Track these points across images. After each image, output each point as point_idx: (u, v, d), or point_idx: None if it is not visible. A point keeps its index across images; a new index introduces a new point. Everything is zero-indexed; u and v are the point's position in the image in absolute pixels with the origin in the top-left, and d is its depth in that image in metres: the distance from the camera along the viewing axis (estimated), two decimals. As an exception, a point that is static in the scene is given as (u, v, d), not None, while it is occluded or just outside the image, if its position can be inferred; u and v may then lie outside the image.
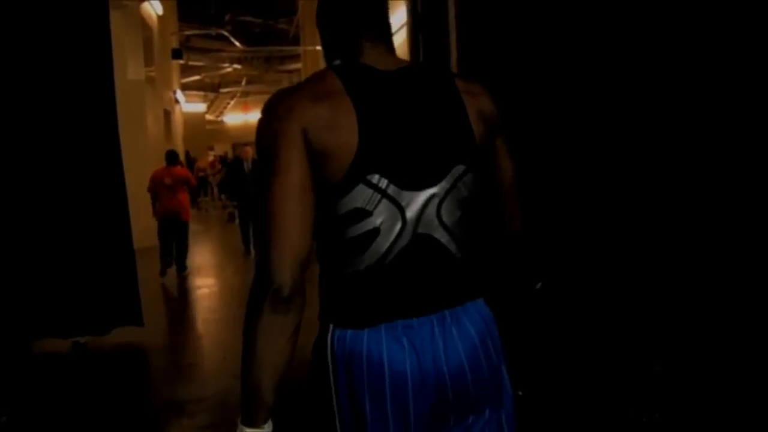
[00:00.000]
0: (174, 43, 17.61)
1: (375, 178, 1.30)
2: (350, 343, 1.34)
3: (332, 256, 1.37)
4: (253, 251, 10.38)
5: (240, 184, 10.20)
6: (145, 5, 12.56)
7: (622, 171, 2.64)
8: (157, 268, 8.97)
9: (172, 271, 9.14)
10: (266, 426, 1.27)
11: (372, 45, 1.42)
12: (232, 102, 27.31)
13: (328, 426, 1.37)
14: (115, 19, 10.44)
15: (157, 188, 8.81)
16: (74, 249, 5.51)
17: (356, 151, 1.29)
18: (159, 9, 13.69)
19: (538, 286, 2.73)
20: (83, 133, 5.48)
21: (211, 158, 23.90)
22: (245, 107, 27.61)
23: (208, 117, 27.21)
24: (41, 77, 5.29)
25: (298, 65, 23.18)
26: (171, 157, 9.06)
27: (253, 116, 27.49)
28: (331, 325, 1.37)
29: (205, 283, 9.05)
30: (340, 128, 1.29)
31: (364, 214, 1.31)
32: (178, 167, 9.32)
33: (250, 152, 10.10)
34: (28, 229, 5.38)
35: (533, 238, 1.73)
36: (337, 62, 1.43)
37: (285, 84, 25.73)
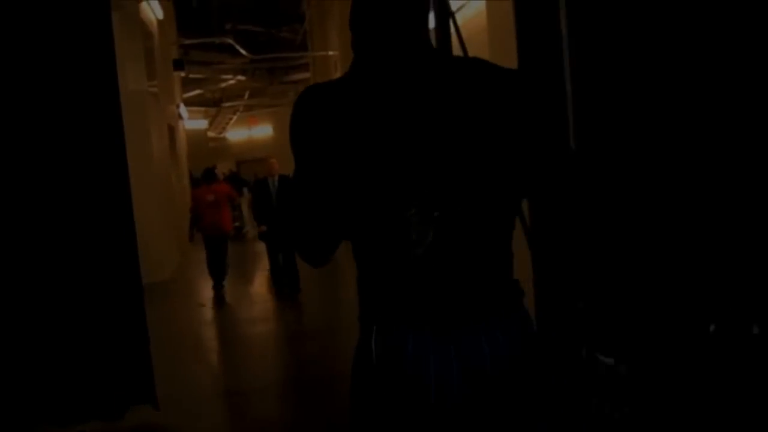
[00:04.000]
0: (175, 53, 16.25)
1: (397, 185, 1.30)
2: (395, 345, 1.34)
3: (369, 258, 1.39)
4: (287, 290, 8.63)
5: (266, 205, 8.38)
6: (145, 8, 11.14)
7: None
8: (171, 309, 7.67)
9: (188, 312, 7.73)
10: None
11: (397, 40, 1.37)
12: (234, 117, 25.96)
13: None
14: (114, 22, 9.13)
15: (199, 207, 9.09)
16: (72, 305, 4.22)
17: (370, 156, 1.31)
18: (159, 12, 12.27)
19: (712, 328, 2.52)
20: (81, 164, 4.24)
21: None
22: (250, 122, 26.27)
23: (210, 134, 25.86)
24: (33, 90, 4.16)
25: (305, 75, 21.89)
26: (210, 174, 9.51)
27: (258, 131, 26.25)
28: (375, 327, 1.38)
29: (235, 336, 7.53)
30: (349, 133, 1.31)
31: (395, 217, 1.31)
32: (218, 183, 9.58)
33: (276, 166, 8.39)
34: (15, 283, 4.12)
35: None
36: (360, 60, 1.40)
37: (291, 96, 24.51)
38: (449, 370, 1.32)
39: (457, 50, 3.40)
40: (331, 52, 16.46)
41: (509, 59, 4.23)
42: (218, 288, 9.32)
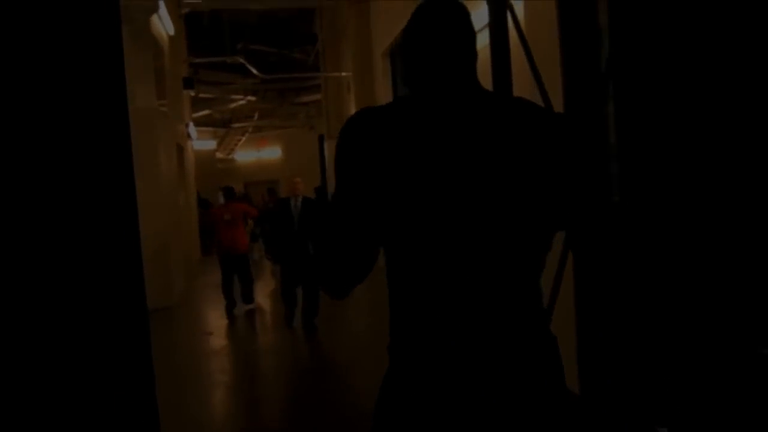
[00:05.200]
0: (184, 72, 15.90)
1: (427, 215, 1.34)
2: (424, 380, 1.36)
3: (404, 288, 1.41)
4: (298, 323, 7.91)
5: (284, 231, 7.66)
6: (156, 23, 10.78)
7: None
8: (177, 338, 7.40)
9: (195, 342, 7.22)
10: None
11: (445, 76, 1.43)
12: (243, 138, 25.62)
13: None
14: (123, 36, 8.74)
15: (216, 225, 9.10)
16: (66, 333, 3.75)
17: (403, 187, 1.35)
18: (170, 28, 11.91)
19: None
20: (86, 181, 3.79)
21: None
22: (259, 143, 25.91)
23: (218, 155, 25.48)
24: (37, 104, 3.72)
25: (316, 96, 21.53)
26: (229, 192, 9.61)
27: (267, 153, 25.88)
28: (403, 361, 1.40)
29: (245, 370, 7.02)
30: (396, 160, 1.36)
31: (424, 247, 1.36)
32: (236, 202, 9.61)
33: (300, 185, 7.73)
34: (5, 309, 3.64)
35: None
36: (407, 92, 1.47)
37: (301, 118, 24.18)
38: (481, 397, 1.34)
39: (515, 44, 2.98)
40: (344, 73, 16.11)
41: (547, 59, 3.84)
42: (231, 310, 9.12)
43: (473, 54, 1.47)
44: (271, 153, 25.89)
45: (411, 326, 1.40)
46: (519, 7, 4.63)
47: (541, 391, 1.39)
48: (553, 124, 1.42)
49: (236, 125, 24.51)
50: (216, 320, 9.01)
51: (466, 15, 1.48)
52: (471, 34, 1.47)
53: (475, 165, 1.36)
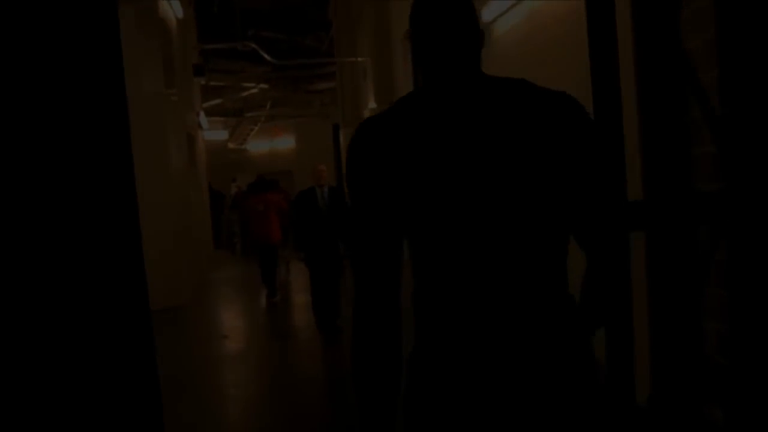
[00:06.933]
0: (195, 59, 15.30)
1: (444, 209, 1.38)
2: (449, 370, 1.40)
3: (424, 280, 1.47)
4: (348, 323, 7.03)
5: (311, 222, 6.94)
6: (163, 5, 10.17)
7: None
8: (186, 342, 6.91)
9: (208, 347, 6.64)
10: None
11: (449, 64, 1.44)
12: (256, 128, 25.05)
13: None
14: (127, 17, 8.13)
15: (248, 215, 9.40)
16: (57, 342, 3.18)
17: (418, 185, 1.39)
18: (179, 11, 11.30)
19: None
20: (75, 167, 3.22)
21: (234, 190, 21.48)
22: (272, 133, 25.34)
23: (230, 146, 24.94)
24: (21, 88, 3.17)
25: (330, 84, 20.95)
26: (263, 183, 9.72)
27: (281, 143, 25.38)
28: (429, 350, 1.45)
29: (266, 381, 6.40)
30: (399, 163, 1.39)
31: (444, 239, 1.39)
32: (269, 193, 9.60)
33: (325, 174, 7.08)
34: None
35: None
36: (418, 86, 1.50)
37: (315, 106, 23.59)
38: (502, 384, 1.37)
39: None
40: (360, 59, 15.47)
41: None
42: (272, 297, 9.34)
43: (477, 37, 1.46)
44: (285, 143, 25.37)
45: (435, 316, 1.43)
46: None
47: (566, 379, 1.39)
48: (560, 106, 1.42)
49: (248, 114, 23.97)
50: (231, 321, 8.47)
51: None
52: (472, 18, 1.46)
53: (487, 155, 1.38)
